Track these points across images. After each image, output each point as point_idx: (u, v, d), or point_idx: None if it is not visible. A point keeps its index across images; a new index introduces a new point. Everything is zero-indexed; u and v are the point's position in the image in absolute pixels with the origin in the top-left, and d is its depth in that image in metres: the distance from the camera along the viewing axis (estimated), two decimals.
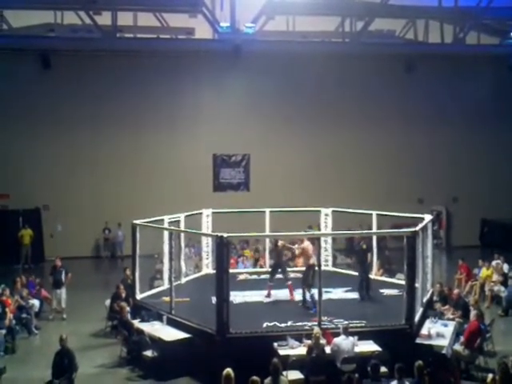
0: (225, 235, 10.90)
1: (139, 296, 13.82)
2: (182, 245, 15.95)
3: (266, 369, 8.70)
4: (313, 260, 12.96)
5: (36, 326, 14.40)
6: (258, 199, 21.65)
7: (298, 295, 13.61)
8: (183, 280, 15.55)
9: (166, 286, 14.11)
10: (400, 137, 25.54)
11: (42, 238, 23.96)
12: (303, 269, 13.60)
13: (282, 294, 14.05)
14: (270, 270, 15.08)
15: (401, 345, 10.55)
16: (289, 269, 15.07)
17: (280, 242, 14.13)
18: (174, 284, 12.71)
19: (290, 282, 13.82)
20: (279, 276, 14.13)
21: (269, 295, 14.04)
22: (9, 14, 22.87)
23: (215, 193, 25.30)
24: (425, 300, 12.92)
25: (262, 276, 16.76)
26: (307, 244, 13.23)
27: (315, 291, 12.09)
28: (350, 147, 25.49)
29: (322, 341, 10.38)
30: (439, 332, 11.44)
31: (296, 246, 14.29)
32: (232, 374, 8.28)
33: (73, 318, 15.33)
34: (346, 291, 14.55)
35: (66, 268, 15.87)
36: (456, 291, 14.23)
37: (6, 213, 23.76)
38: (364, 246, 14.63)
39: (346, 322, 11.17)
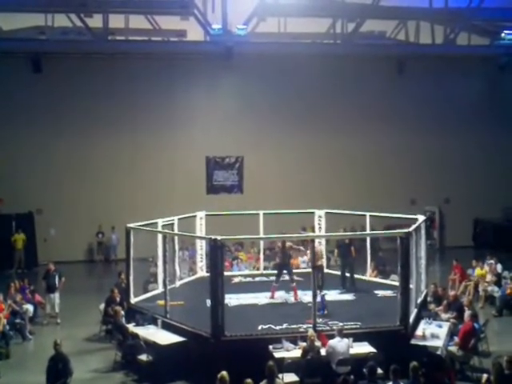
0: (219, 238, 10.89)
1: (133, 300, 13.79)
2: (176, 248, 15.90)
3: (262, 372, 8.72)
4: (321, 261, 13.15)
5: (30, 331, 14.33)
6: (252, 201, 21.65)
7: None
8: (178, 283, 15.49)
9: (160, 289, 14.07)
10: (392, 138, 25.54)
11: (35, 242, 23.77)
12: (298, 270, 13.64)
13: (277, 295, 14.06)
14: (275, 271, 14.75)
15: (395, 346, 10.56)
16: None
17: (288, 243, 14.02)
18: (169, 287, 12.68)
19: (294, 284, 13.78)
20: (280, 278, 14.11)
21: (272, 297, 13.98)
22: None
23: (208, 195, 25.24)
24: (419, 301, 12.94)
25: (257, 278, 16.80)
26: (317, 245, 13.21)
27: (324, 292, 12.61)
28: (343, 148, 25.46)
29: (317, 343, 10.39)
30: (434, 333, 11.45)
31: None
32: (227, 377, 8.32)
33: (67, 322, 15.26)
34: (341, 293, 14.58)
35: (59, 272, 15.82)
36: (452, 293, 14.27)
37: None
38: (346, 241, 14.71)
39: (341, 324, 11.21)
